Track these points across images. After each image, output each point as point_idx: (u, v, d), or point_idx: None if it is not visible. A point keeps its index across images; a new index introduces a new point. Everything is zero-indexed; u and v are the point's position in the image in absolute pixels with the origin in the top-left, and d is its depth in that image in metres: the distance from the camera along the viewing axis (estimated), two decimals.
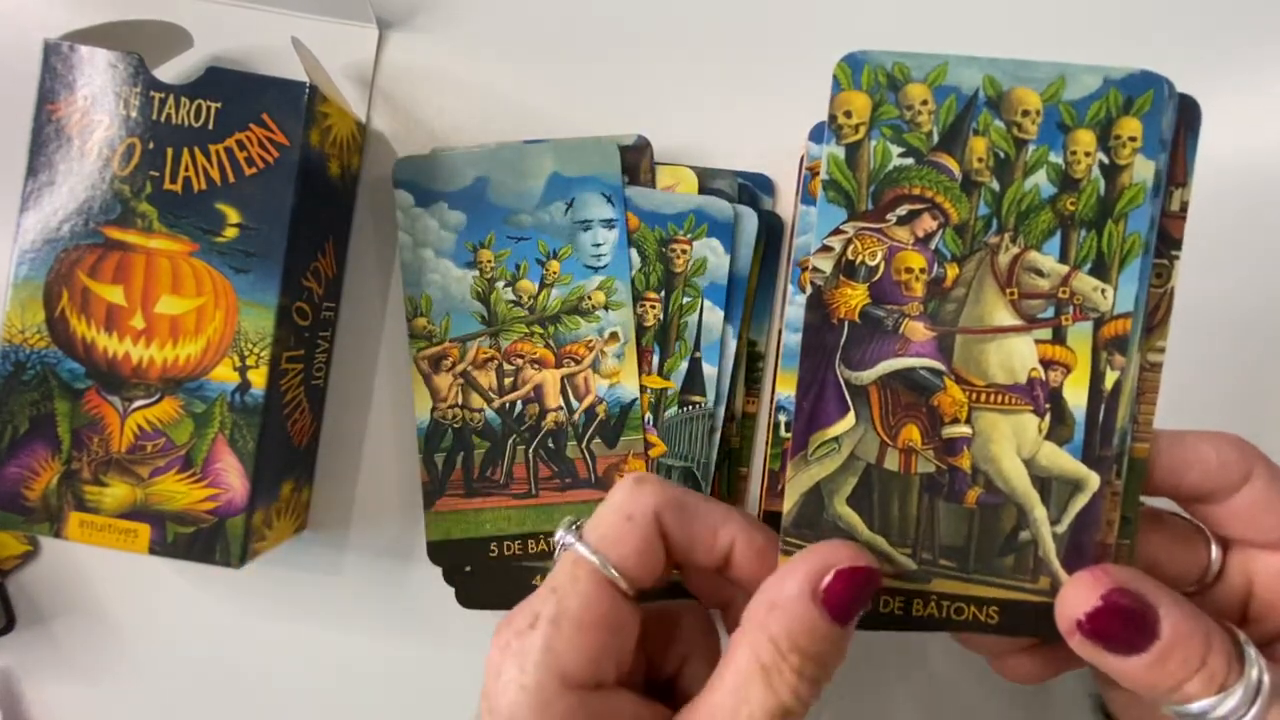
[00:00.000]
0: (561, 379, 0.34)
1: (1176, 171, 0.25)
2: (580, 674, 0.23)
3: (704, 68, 0.36)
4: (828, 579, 0.23)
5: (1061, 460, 0.25)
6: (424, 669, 0.37)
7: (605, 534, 0.24)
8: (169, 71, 0.35)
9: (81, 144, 0.31)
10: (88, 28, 0.32)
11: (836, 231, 0.25)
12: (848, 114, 0.25)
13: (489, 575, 0.35)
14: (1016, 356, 0.25)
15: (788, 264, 0.35)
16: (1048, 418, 0.25)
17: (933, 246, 0.25)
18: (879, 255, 0.25)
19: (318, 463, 0.37)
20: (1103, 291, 0.24)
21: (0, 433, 0.31)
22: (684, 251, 0.34)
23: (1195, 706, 0.22)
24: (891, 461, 0.25)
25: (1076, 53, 0.24)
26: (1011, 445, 0.25)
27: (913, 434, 0.25)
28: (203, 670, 0.37)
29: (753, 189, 0.35)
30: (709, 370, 0.34)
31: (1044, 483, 0.25)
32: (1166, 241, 0.25)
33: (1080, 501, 0.25)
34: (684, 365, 0.34)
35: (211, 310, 0.31)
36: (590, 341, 0.34)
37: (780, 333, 0.35)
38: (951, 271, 0.25)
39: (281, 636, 0.37)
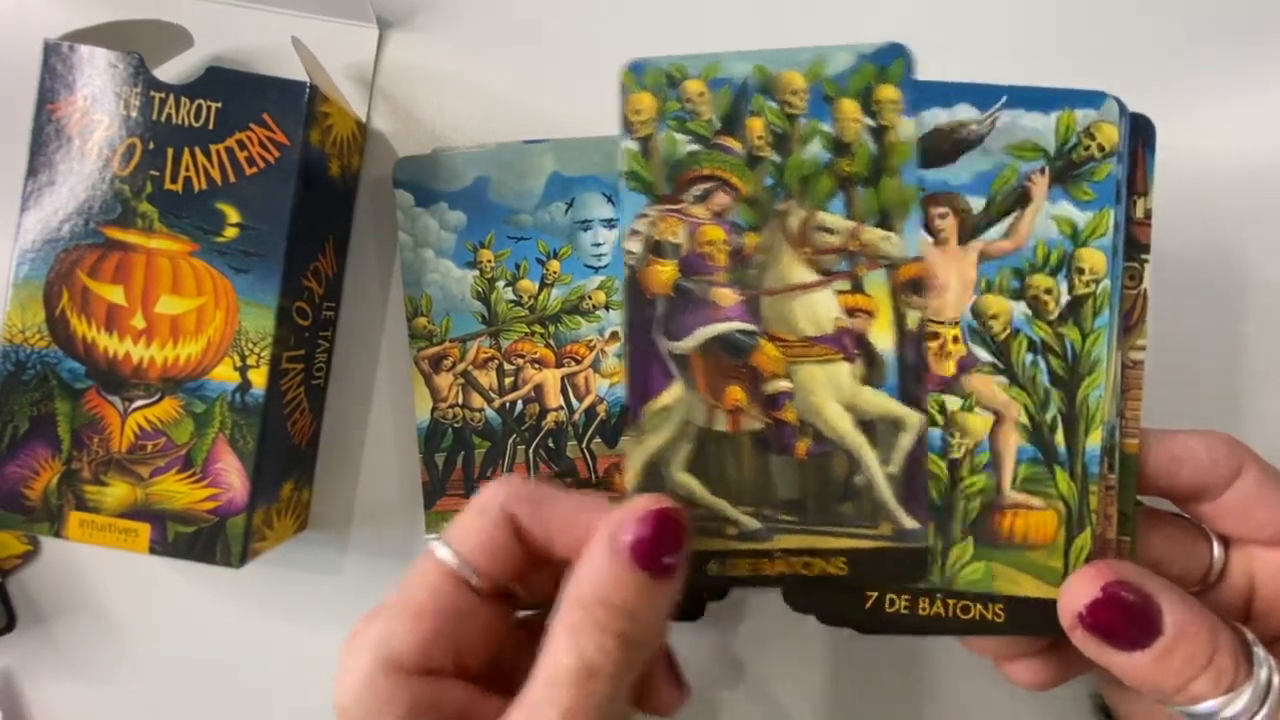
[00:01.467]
0: (562, 379, 0.34)
1: (1137, 182, 0.27)
2: (410, 659, 0.23)
3: None
4: (627, 529, 0.23)
5: (881, 401, 0.26)
6: None
7: (457, 529, 0.25)
8: (169, 71, 0.35)
9: (82, 144, 0.31)
10: (88, 27, 0.32)
11: (641, 215, 0.28)
12: (637, 112, 0.28)
13: None
14: (820, 309, 0.27)
15: None
16: (859, 363, 0.27)
17: (729, 219, 0.27)
18: (681, 233, 0.27)
19: (318, 463, 0.37)
20: (890, 240, 0.26)
21: (0, 432, 0.31)
22: None
23: (1203, 707, 0.22)
24: (720, 422, 0.27)
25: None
26: (830, 393, 0.26)
27: (737, 394, 0.27)
28: (203, 670, 0.37)
29: None
30: None
31: (868, 426, 0.26)
32: (1135, 246, 0.27)
33: (906, 440, 0.26)
34: None
35: (212, 310, 0.31)
36: (591, 341, 0.34)
37: None
38: (750, 240, 0.27)
39: (282, 636, 0.37)
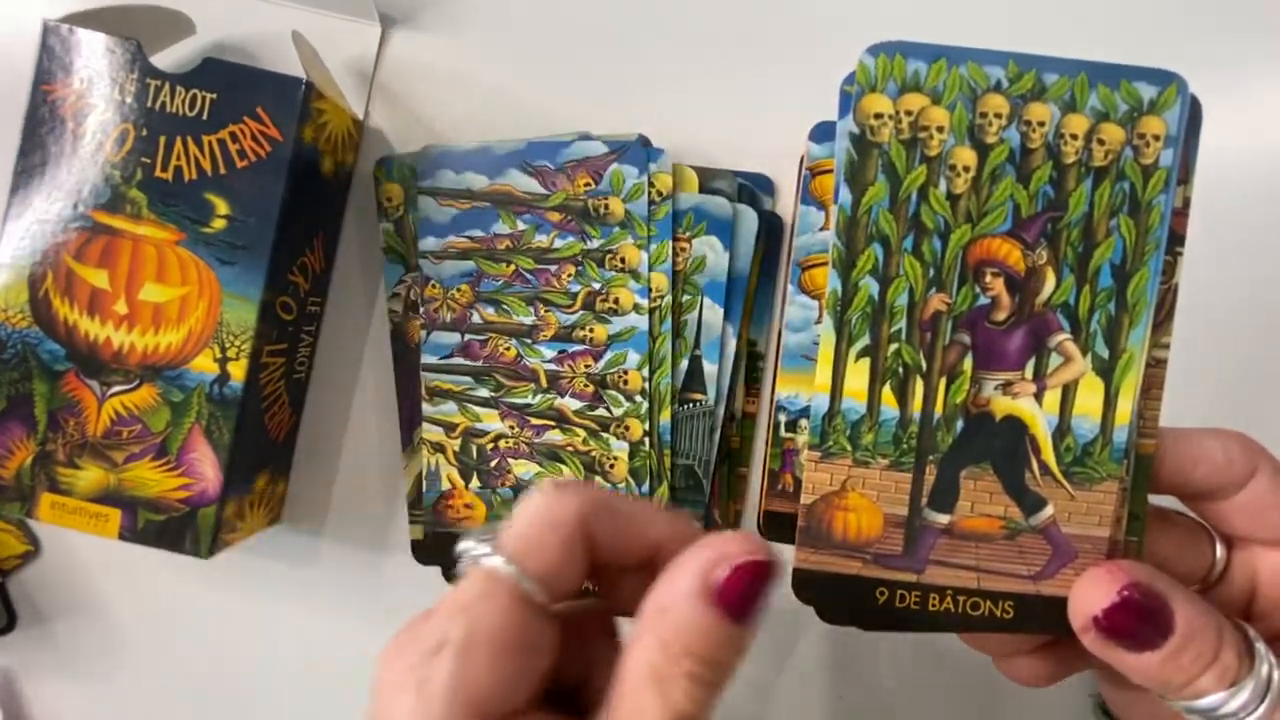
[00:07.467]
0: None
1: (1179, 169, 0.25)
2: (495, 703, 0.20)
3: (704, 68, 0.36)
4: (720, 574, 0.21)
5: None
6: None
7: (524, 544, 0.22)
8: (167, 58, 0.35)
9: (75, 127, 0.31)
10: (88, 10, 0.32)
11: (400, 281, 0.35)
12: (389, 199, 0.35)
13: None
14: None
15: (788, 264, 0.35)
16: None
17: None
18: None
19: (296, 456, 0.37)
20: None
21: None
22: (683, 249, 0.34)
23: (1205, 702, 0.22)
24: None
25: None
26: None
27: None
28: (203, 670, 0.37)
29: (753, 189, 0.35)
30: (709, 368, 0.34)
31: None
32: (1170, 238, 0.25)
33: None
34: (684, 363, 0.34)
35: (195, 300, 0.31)
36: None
37: (780, 333, 0.35)
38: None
39: (285, 637, 0.37)
